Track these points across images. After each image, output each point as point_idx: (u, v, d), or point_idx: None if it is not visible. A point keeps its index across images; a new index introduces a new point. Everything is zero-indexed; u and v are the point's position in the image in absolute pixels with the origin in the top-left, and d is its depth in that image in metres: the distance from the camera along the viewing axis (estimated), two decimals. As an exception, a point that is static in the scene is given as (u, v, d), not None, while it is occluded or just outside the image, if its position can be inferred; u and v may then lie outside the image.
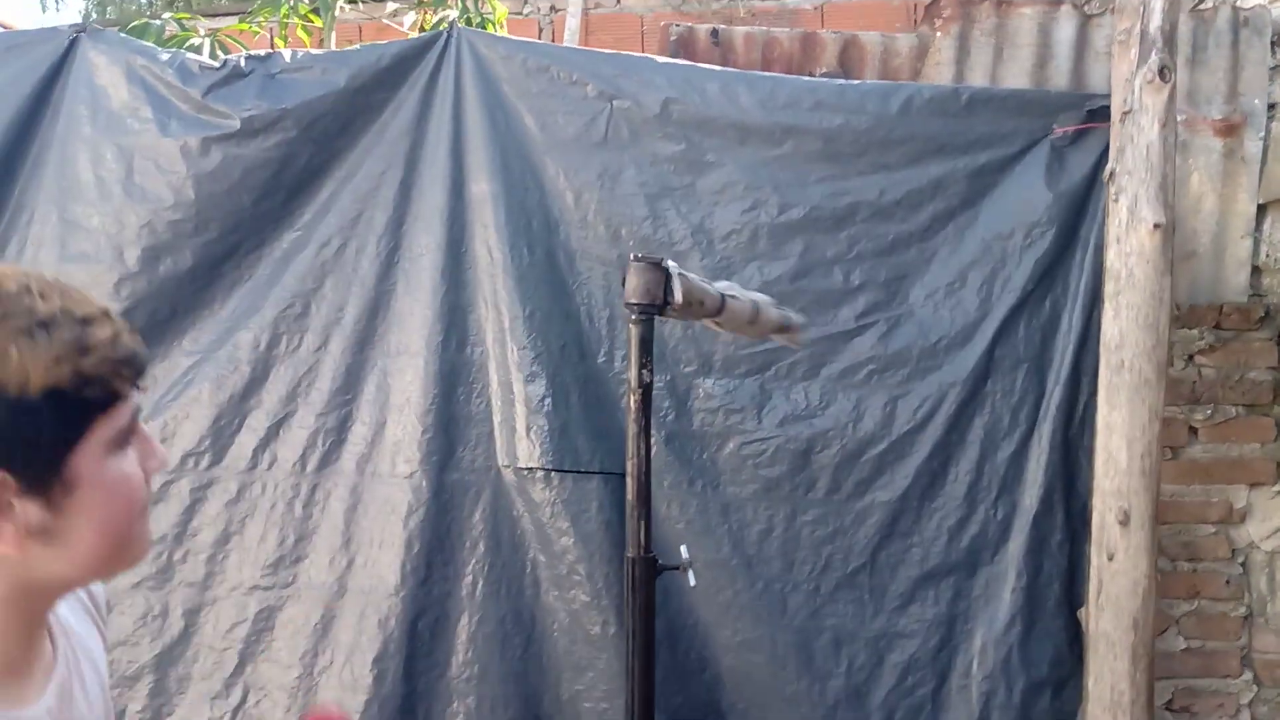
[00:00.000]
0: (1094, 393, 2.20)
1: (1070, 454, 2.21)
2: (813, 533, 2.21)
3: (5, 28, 4.56)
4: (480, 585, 2.20)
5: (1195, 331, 2.28)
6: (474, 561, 2.20)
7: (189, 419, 2.25)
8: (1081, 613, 2.09)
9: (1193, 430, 2.31)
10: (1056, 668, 2.19)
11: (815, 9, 3.86)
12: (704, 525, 2.21)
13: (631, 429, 1.50)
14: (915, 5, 3.86)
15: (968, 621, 2.21)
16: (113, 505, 0.72)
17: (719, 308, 1.40)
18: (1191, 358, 2.29)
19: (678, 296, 1.38)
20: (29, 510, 0.68)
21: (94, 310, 0.70)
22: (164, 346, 2.27)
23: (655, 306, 1.47)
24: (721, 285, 1.45)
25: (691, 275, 1.41)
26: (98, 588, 0.92)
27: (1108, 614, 1.95)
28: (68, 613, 0.83)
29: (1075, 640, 2.20)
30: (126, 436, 0.73)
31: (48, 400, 0.67)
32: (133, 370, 0.72)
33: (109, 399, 0.70)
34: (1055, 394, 2.21)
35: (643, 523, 1.51)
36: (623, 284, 1.40)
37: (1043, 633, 2.19)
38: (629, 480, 1.51)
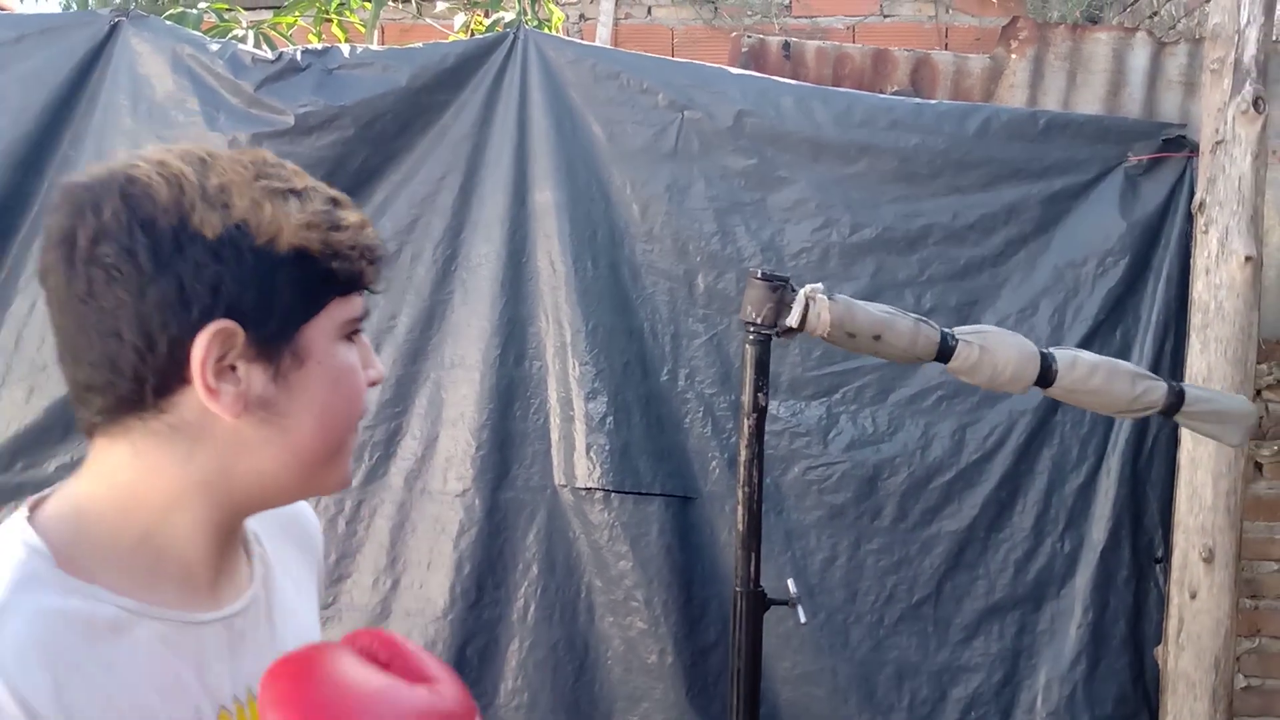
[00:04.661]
0: (1162, 426, 2.17)
1: (1138, 488, 2.17)
2: (877, 562, 2.15)
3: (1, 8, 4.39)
4: (532, 609, 2.10)
5: (1264, 367, 2.25)
6: (526, 584, 2.11)
7: (227, 428, 2.13)
8: (1157, 651, 2.04)
9: (1258, 466, 2.28)
10: (1121, 706, 2.14)
11: (847, 29, 3.84)
12: (766, 552, 2.08)
13: (744, 455, 1.43)
14: (946, 30, 3.86)
15: (1032, 657, 2.16)
16: (336, 395, 0.69)
17: (875, 337, 1.33)
18: (1259, 392, 2.27)
19: (814, 323, 1.31)
20: (254, 375, 0.65)
21: (343, 197, 0.70)
22: (201, 351, 2.16)
23: (772, 328, 1.41)
24: (875, 307, 1.38)
25: (845, 300, 1.34)
26: (315, 523, 0.87)
27: (1188, 653, 1.91)
28: (277, 545, 0.79)
29: (1139, 679, 2.16)
30: (355, 330, 0.71)
31: (294, 261, 0.65)
32: (374, 261, 0.70)
33: (349, 281, 0.69)
34: (1124, 426, 2.16)
35: (753, 555, 1.44)
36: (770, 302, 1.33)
37: (1108, 670, 2.15)
38: (740, 510, 1.44)
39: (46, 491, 0.69)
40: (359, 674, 0.64)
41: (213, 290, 0.63)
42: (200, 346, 0.63)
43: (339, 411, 0.70)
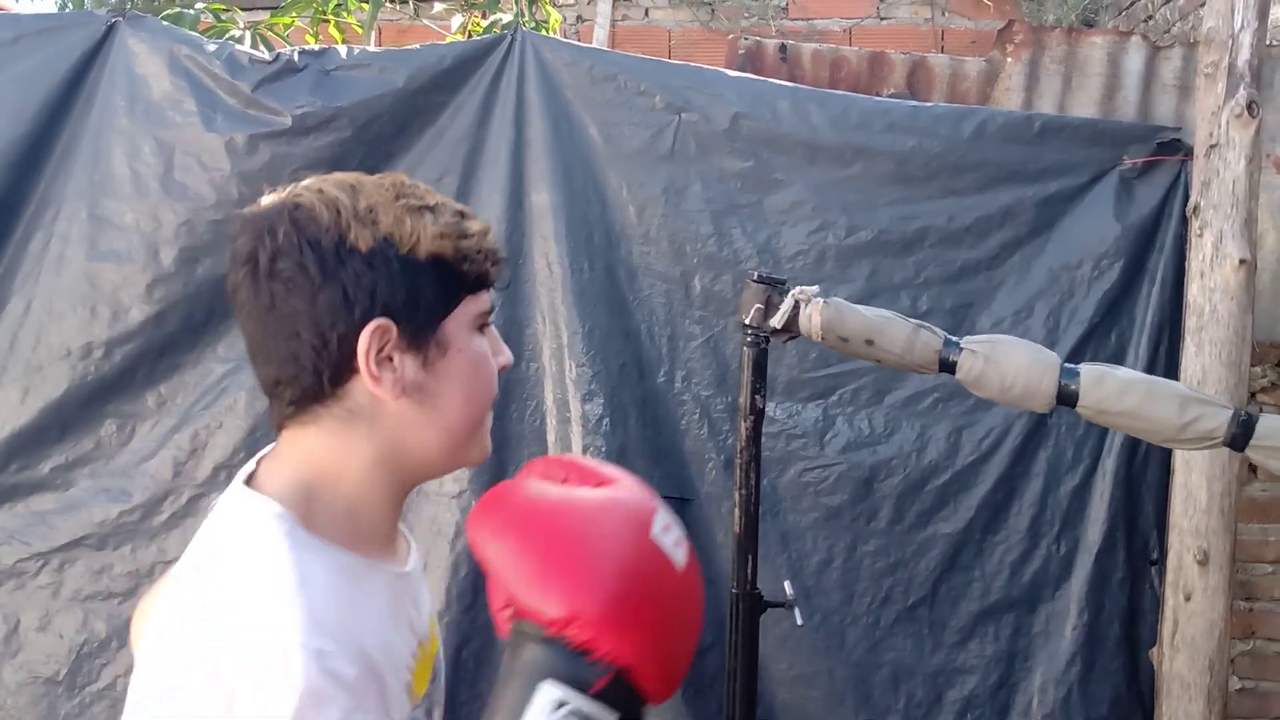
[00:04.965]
0: (1157, 428, 2.18)
1: (1133, 490, 2.18)
2: (873, 564, 2.16)
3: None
4: (528, 612, 2.10)
5: (1257, 369, 2.26)
6: (522, 587, 2.11)
7: (222, 429, 2.13)
8: (1152, 653, 2.05)
9: (1252, 469, 2.29)
10: (1116, 708, 2.15)
11: (844, 31, 3.84)
12: (762, 553, 2.09)
13: (742, 457, 1.43)
14: (942, 32, 3.87)
15: (1028, 659, 2.16)
16: (475, 377, 0.81)
17: (867, 341, 1.33)
18: (1253, 395, 2.27)
19: (805, 326, 1.31)
20: (407, 365, 0.77)
21: (468, 209, 0.82)
22: (197, 353, 2.16)
23: (770, 331, 1.41)
24: (872, 312, 1.38)
25: (838, 302, 1.34)
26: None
27: (1183, 655, 1.91)
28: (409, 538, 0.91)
29: (1134, 680, 2.17)
30: (485, 322, 0.83)
31: (432, 266, 0.77)
32: (496, 262, 0.82)
33: (478, 281, 0.80)
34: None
35: (750, 557, 1.44)
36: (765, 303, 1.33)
37: (1103, 672, 2.15)
38: (737, 512, 1.44)
39: (249, 470, 0.80)
40: (542, 488, 0.76)
41: (370, 294, 0.75)
42: (363, 341, 0.75)
43: (479, 392, 0.82)
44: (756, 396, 1.41)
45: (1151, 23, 3.08)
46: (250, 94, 2.10)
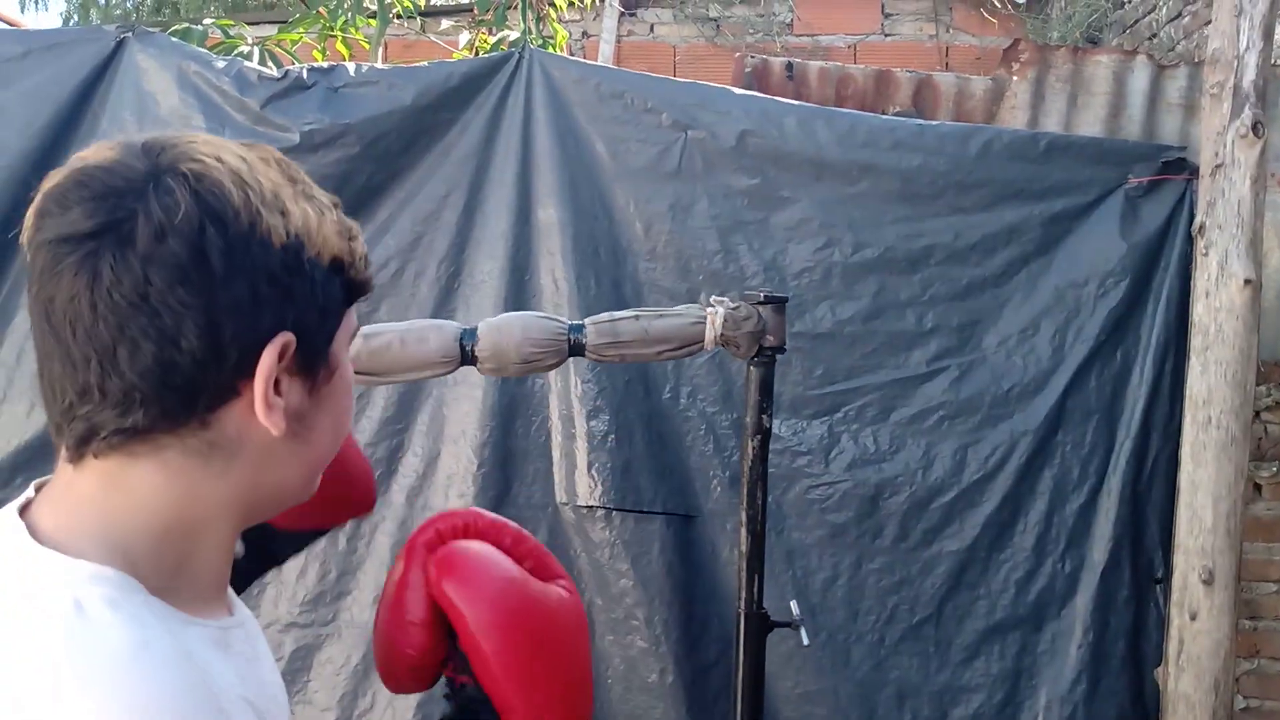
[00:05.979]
0: (1163, 447, 2.18)
1: (1138, 509, 2.18)
2: (879, 582, 2.15)
3: (8, 22, 4.41)
4: (533, 628, 2.10)
5: (1262, 389, 2.26)
6: (527, 603, 2.11)
7: (228, 444, 2.13)
8: (1158, 672, 2.04)
9: (1257, 488, 2.29)
10: (1121, 727, 2.15)
11: (849, 47, 3.86)
12: (767, 571, 2.10)
13: (748, 476, 1.43)
14: (946, 49, 3.88)
15: (1033, 677, 2.16)
16: (344, 405, 0.67)
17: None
18: (1258, 414, 2.27)
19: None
20: (294, 390, 0.62)
21: (336, 199, 0.67)
22: (204, 366, 2.16)
23: (779, 348, 1.42)
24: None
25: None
26: None
27: (1188, 674, 1.91)
28: None
29: (1139, 699, 2.16)
30: (352, 339, 0.68)
31: (333, 270, 0.63)
32: (369, 267, 0.68)
33: (362, 289, 0.66)
34: (1125, 447, 2.17)
35: (756, 576, 1.44)
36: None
37: (1108, 691, 2.15)
38: (743, 531, 1.44)
39: (17, 518, 0.61)
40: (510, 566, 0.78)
41: (283, 300, 0.59)
42: (268, 358, 0.58)
43: (346, 421, 0.68)
44: (763, 415, 1.41)
45: (1156, 41, 3.09)
46: (259, 110, 2.11)
